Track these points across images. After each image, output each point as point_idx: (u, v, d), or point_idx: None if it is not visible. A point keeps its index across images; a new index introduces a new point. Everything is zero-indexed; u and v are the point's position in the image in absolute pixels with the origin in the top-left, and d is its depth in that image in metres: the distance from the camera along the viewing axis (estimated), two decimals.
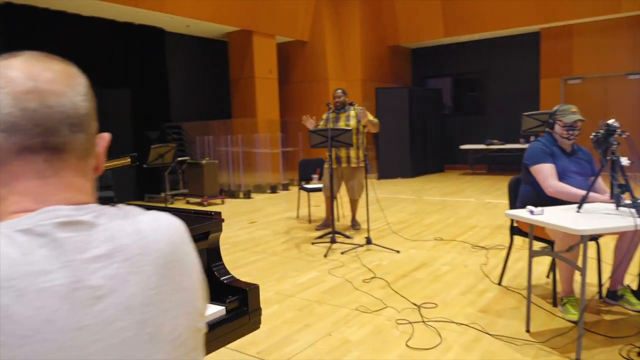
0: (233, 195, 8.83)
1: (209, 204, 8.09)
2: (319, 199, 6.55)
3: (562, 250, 2.90)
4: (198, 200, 8.07)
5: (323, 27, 10.88)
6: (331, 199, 5.50)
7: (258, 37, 9.77)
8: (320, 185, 6.10)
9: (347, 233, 5.55)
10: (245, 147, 9.38)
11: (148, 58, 8.99)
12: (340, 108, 5.69)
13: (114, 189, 8.38)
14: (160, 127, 8.66)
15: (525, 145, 10.82)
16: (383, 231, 5.70)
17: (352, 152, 5.62)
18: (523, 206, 3.49)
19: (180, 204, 8.39)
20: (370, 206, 7.06)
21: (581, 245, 2.63)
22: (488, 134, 12.22)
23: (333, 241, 4.98)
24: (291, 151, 10.58)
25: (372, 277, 4.05)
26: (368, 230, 5.03)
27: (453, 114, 12.98)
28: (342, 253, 4.78)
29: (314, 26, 10.99)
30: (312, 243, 5.22)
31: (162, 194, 8.54)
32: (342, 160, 5.62)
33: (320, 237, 5.45)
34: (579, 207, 2.89)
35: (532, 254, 3.03)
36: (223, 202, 8.26)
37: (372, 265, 4.38)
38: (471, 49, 12.40)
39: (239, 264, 4.56)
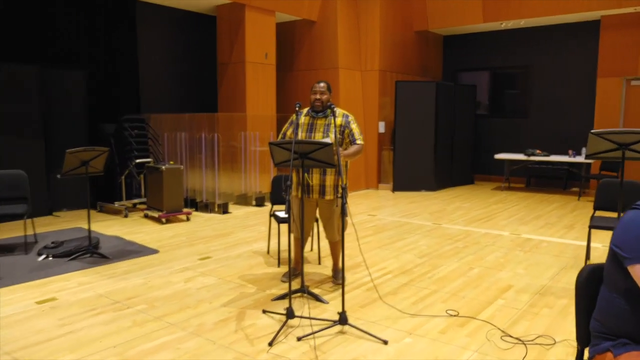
0: (207, 208, 7.20)
1: (169, 221, 6.47)
2: None
3: None
4: (159, 214, 6.46)
5: (335, 4, 9.09)
6: (301, 240, 3.81)
7: (253, 12, 8.06)
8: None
9: (327, 289, 3.84)
10: (226, 147, 7.72)
11: (112, 33, 7.38)
12: (320, 111, 3.95)
13: (39, 199, 6.82)
14: (118, 120, 7.06)
15: (576, 159, 8.86)
16: (371, 292, 3.95)
17: (329, 179, 3.90)
18: (603, 331, 1.73)
19: (137, 217, 6.80)
20: (372, 237, 5.24)
21: None
22: (529, 142, 10.26)
23: (290, 316, 3.26)
24: None
25: None
26: (343, 299, 3.29)
27: (488, 115, 11.02)
28: (299, 339, 3.07)
29: (325, 3, 9.20)
30: (264, 311, 3.53)
31: (116, 204, 6.97)
32: (312, 189, 3.90)
33: (282, 297, 3.75)
34: None
35: None
36: (188, 219, 6.63)
37: None
38: (515, 38, 10.39)
39: (127, 356, 2.90)
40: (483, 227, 6.37)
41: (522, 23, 9.74)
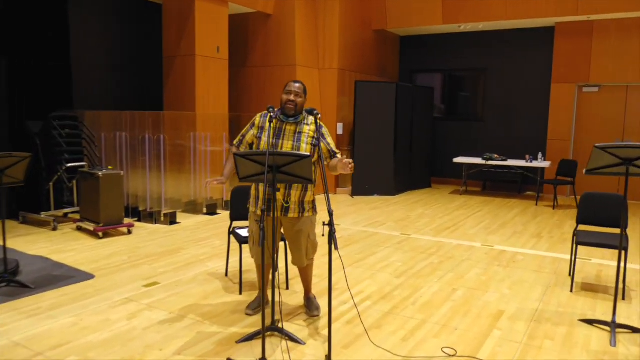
0: (152, 217, 6.43)
1: (107, 235, 5.67)
2: None
3: None
4: (95, 226, 5.63)
5: None
6: (272, 267, 3.23)
7: (203, 1, 7.33)
8: None
9: (301, 323, 3.27)
10: (173, 149, 6.96)
11: (41, 16, 6.45)
12: (292, 115, 3.37)
13: None
14: (46, 117, 6.16)
15: (533, 164, 8.74)
16: (353, 327, 3.42)
17: (294, 194, 3.35)
18: None
19: (68, 230, 5.94)
20: (341, 251, 4.41)
21: None
22: (484, 145, 10.11)
23: None
24: None
25: None
26: (330, 345, 2.73)
27: (443, 118, 10.80)
28: None
29: None
30: None
31: (43, 215, 6.07)
32: (275, 205, 3.33)
33: (249, 338, 3.15)
34: None
35: None
36: (129, 232, 5.85)
37: None
38: (471, 41, 10.20)
39: None
40: (453, 238, 6.01)
41: (481, 26, 9.54)
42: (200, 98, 7.41)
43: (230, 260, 4.50)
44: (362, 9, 9.67)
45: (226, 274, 4.41)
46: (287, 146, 3.32)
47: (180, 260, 4.81)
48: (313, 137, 3.40)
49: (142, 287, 4.05)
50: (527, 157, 8.88)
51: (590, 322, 3.55)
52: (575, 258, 4.27)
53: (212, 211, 7.19)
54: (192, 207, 7.22)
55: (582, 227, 4.46)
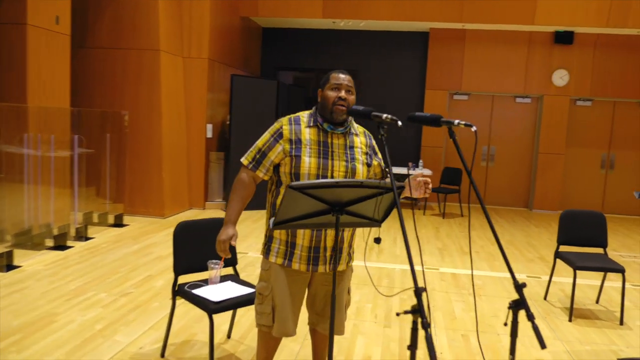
0: None
1: None
2: (223, 320, 2.59)
3: None
4: None
5: None
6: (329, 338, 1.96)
7: None
8: (225, 296, 2.54)
9: None
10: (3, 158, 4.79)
11: None
12: (341, 122, 2.17)
13: None
14: None
15: (415, 172, 8.54)
16: None
17: (347, 237, 2.23)
18: None
19: None
20: None
21: None
22: None
23: None
24: (94, 169, 6.25)
25: None
26: None
27: None
28: None
29: None
30: None
31: None
32: (321, 255, 2.15)
33: None
34: None
35: None
36: None
37: None
38: (342, 40, 9.64)
39: None
40: (389, 262, 5.23)
41: (362, 25, 9.02)
42: (34, 85, 5.28)
43: (174, 332, 2.92)
44: None
45: (162, 354, 2.83)
46: (340, 169, 2.12)
47: (65, 338, 3.02)
48: (366, 153, 2.24)
49: None
50: (410, 164, 8.65)
51: None
52: (574, 283, 3.80)
53: (60, 244, 5.16)
54: (28, 240, 5.08)
55: (565, 248, 4.07)
